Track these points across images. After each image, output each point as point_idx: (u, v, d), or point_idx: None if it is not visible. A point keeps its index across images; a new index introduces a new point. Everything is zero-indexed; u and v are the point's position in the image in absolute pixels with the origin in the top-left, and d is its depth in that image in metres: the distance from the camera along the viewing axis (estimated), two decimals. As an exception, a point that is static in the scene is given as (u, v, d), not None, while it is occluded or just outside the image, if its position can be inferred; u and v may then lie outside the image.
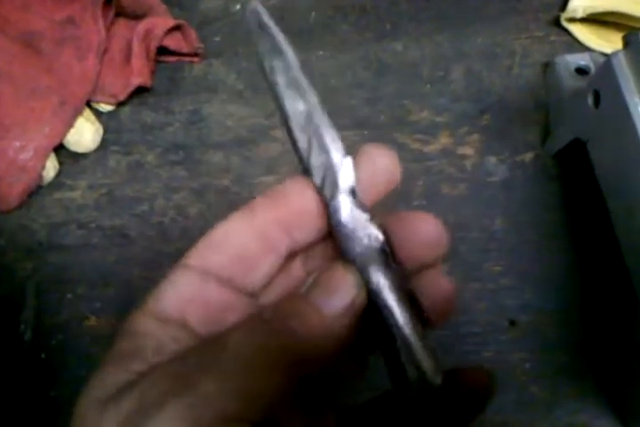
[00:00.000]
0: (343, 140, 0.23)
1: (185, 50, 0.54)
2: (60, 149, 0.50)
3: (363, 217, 0.22)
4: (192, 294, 0.22)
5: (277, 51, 0.23)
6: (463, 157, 0.49)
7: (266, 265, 0.23)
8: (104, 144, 0.51)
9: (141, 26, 0.53)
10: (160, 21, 0.53)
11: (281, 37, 0.23)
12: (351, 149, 0.23)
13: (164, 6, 0.56)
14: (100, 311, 0.45)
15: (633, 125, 0.36)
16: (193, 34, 0.54)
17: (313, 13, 0.57)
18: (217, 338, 0.20)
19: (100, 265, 0.46)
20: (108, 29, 0.53)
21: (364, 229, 0.22)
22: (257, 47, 0.23)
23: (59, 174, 0.50)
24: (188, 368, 0.19)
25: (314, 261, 0.25)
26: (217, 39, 0.56)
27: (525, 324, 0.42)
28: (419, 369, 0.22)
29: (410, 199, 0.47)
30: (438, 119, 0.51)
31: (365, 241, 0.22)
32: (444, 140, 0.50)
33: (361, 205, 0.22)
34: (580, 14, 0.52)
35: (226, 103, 0.53)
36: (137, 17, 0.55)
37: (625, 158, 0.37)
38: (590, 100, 0.41)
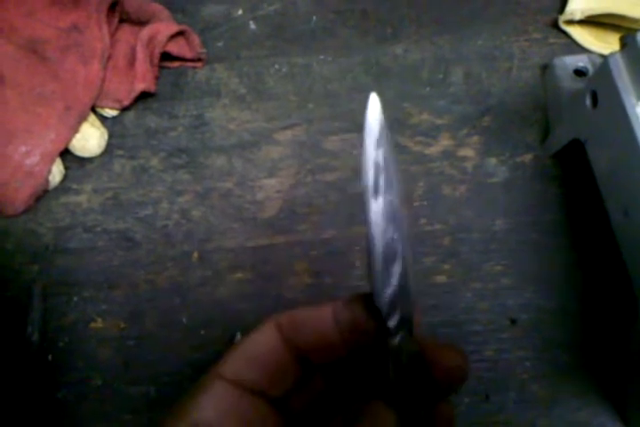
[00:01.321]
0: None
1: (188, 55, 0.55)
2: (65, 154, 0.51)
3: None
4: (230, 406, 0.23)
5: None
6: (464, 158, 0.50)
7: (294, 377, 0.24)
8: (109, 149, 0.52)
9: (145, 32, 0.53)
10: (163, 27, 0.54)
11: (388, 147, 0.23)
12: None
13: (167, 12, 0.57)
14: (105, 314, 0.45)
15: (630, 126, 0.36)
16: (196, 39, 0.55)
17: (314, 18, 0.58)
18: None
19: (106, 268, 0.47)
20: (112, 35, 0.54)
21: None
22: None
23: (64, 179, 0.50)
24: None
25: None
26: (219, 44, 0.57)
27: (526, 323, 0.43)
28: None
29: (411, 201, 0.48)
30: (439, 121, 0.52)
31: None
32: (444, 141, 0.51)
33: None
34: (578, 16, 0.53)
35: (228, 107, 0.53)
36: (141, 23, 0.56)
37: (622, 158, 0.37)
38: (588, 101, 0.41)
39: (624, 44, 0.39)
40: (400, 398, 0.22)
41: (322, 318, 0.24)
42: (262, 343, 0.24)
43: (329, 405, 0.26)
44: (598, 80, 0.40)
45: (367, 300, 0.23)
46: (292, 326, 0.24)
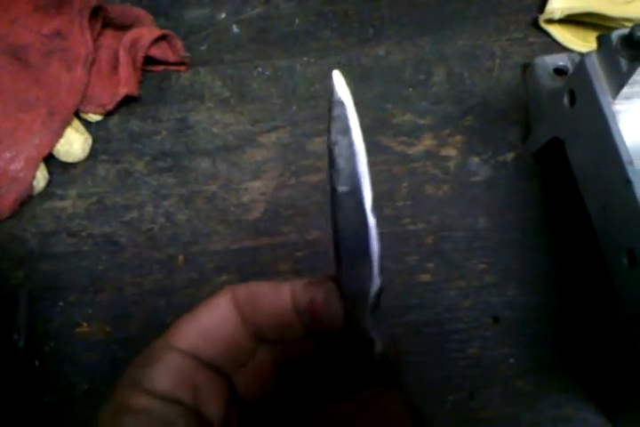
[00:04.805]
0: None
1: (171, 59, 0.55)
2: (49, 159, 0.51)
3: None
4: (185, 378, 0.22)
5: (346, 129, 0.23)
6: (446, 158, 0.50)
7: (245, 350, 0.24)
8: (93, 153, 0.52)
9: (128, 36, 0.54)
10: (146, 31, 0.54)
11: (353, 117, 0.23)
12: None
13: (150, 17, 0.57)
14: (91, 318, 0.45)
15: (606, 124, 0.37)
16: (179, 43, 0.55)
17: (296, 20, 0.58)
18: None
19: (91, 272, 0.47)
20: (95, 41, 0.54)
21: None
22: (330, 116, 0.23)
23: (49, 184, 0.50)
24: None
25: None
26: (203, 48, 0.57)
27: (509, 320, 0.43)
28: None
29: (394, 200, 0.48)
30: (421, 121, 0.52)
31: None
32: (427, 141, 0.51)
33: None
34: (558, 16, 0.53)
35: (212, 111, 0.54)
36: (124, 28, 0.56)
37: (598, 156, 0.38)
38: (566, 100, 0.41)
39: (600, 43, 0.39)
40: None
41: (280, 297, 0.24)
42: (218, 316, 0.24)
43: (280, 384, 0.26)
44: (575, 79, 0.40)
45: (329, 285, 0.23)
46: (249, 301, 0.24)
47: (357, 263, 0.22)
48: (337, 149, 0.22)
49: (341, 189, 0.22)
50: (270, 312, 0.24)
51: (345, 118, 0.22)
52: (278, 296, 0.24)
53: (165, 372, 0.22)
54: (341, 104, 0.23)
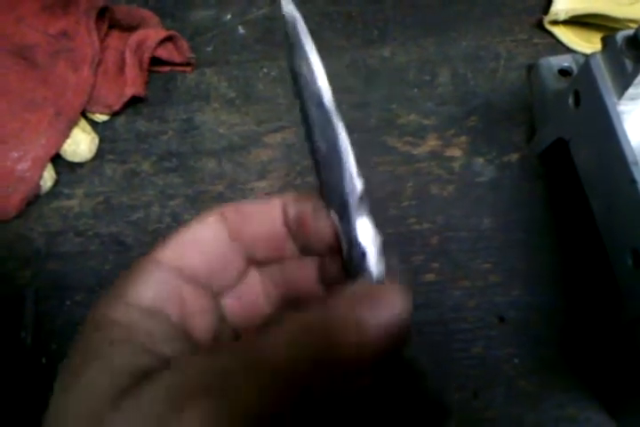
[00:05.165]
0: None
1: (177, 60, 0.55)
2: (56, 159, 0.51)
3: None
4: (170, 292, 0.22)
5: (305, 59, 0.23)
6: (451, 158, 0.50)
7: (233, 269, 0.23)
8: (100, 153, 0.52)
9: (134, 37, 0.54)
10: (152, 32, 0.54)
11: (310, 47, 0.23)
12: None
13: (156, 18, 0.58)
14: (98, 317, 0.46)
15: (611, 124, 0.37)
16: (185, 44, 0.56)
17: (301, 21, 0.58)
18: (254, 340, 0.19)
19: (98, 272, 0.47)
20: (101, 41, 0.55)
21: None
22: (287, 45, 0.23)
23: (56, 184, 0.51)
24: (223, 367, 0.18)
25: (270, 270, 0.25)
26: (209, 49, 0.57)
27: (514, 320, 0.43)
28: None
29: (400, 201, 0.48)
30: (426, 122, 0.52)
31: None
32: (432, 142, 0.51)
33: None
34: (562, 17, 0.53)
35: (218, 111, 0.54)
36: (130, 29, 0.56)
37: (603, 157, 0.38)
38: (571, 101, 0.42)
39: (605, 44, 0.39)
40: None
41: (270, 211, 0.23)
42: (205, 231, 0.23)
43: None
44: (580, 80, 0.40)
45: (315, 198, 0.22)
46: (238, 217, 0.23)
47: (334, 169, 0.22)
48: (298, 68, 0.23)
49: (310, 105, 0.22)
50: (260, 227, 0.23)
51: (297, 35, 0.23)
52: (268, 210, 0.23)
53: (149, 284, 0.21)
54: (292, 20, 0.23)
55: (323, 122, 0.22)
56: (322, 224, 0.22)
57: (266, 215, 0.23)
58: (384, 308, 0.19)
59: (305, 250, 0.23)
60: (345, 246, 0.22)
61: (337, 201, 0.22)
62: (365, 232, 0.22)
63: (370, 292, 0.19)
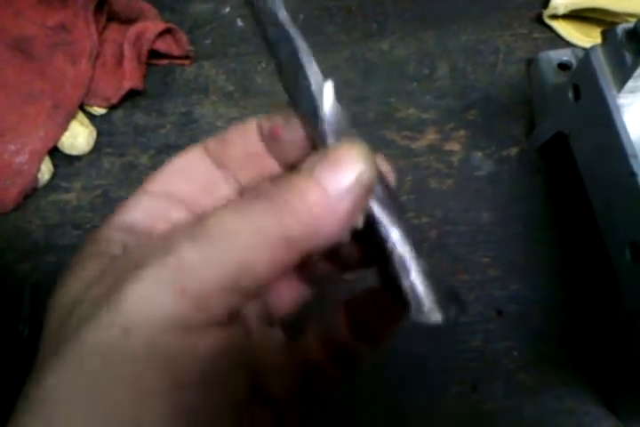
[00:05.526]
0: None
1: (176, 53, 0.55)
2: (54, 152, 0.51)
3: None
4: (157, 212, 0.22)
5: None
6: (450, 152, 0.50)
7: (220, 197, 0.24)
8: (98, 147, 0.52)
9: (132, 30, 0.54)
10: (151, 25, 0.54)
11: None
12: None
13: (154, 10, 0.57)
14: (96, 310, 0.46)
15: (610, 118, 0.37)
16: (183, 37, 0.55)
17: (301, 15, 0.58)
18: (204, 216, 0.19)
19: (96, 265, 0.47)
20: (99, 34, 0.54)
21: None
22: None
23: (54, 177, 0.51)
24: (169, 241, 0.18)
25: None
26: (207, 42, 0.57)
27: (512, 313, 0.43)
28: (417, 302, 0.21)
29: (398, 194, 0.48)
30: (425, 116, 0.52)
31: None
32: (430, 136, 0.51)
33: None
34: (561, 11, 0.53)
35: (216, 104, 0.54)
36: (128, 21, 0.56)
37: (603, 150, 0.38)
38: (570, 94, 0.42)
39: (605, 37, 0.39)
40: None
41: (246, 132, 0.23)
42: (189, 162, 0.23)
43: None
44: (580, 73, 0.40)
45: (286, 109, 0.22)
46: (219, 145, 0.23)
47: (297, 72, 0.22)
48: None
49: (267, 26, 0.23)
50: (239, 147, 0.23)
51: None
52: (245, 131, 0.23)
53: (137, 208, 0.22)
54: None
55: (280, 37, 0.22)
56: (294, 131, 0.22)
57: (243, 136, 0.23)
58: (342, 170, 0.19)
59: (284, 163, 0.24)
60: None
61: (305, 106, 0.22)
62: (329, 105, 0.21)
63: (327, 156, 0.19)
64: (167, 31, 0.55)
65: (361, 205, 0.19)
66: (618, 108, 0.37)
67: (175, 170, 0.23)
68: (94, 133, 0.52)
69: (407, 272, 0.21)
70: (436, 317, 0.20)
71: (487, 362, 0.42)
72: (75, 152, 0.51)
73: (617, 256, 0.37)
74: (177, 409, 0.17)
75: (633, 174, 0.35)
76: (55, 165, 0.51)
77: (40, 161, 0.49)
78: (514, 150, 0.50)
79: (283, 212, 0.18)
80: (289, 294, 0.26)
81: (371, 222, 0.21)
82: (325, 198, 0.18)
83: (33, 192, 0.50)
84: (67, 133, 0.50)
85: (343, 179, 0.19)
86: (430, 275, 0.21)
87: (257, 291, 0.19)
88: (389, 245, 0.21)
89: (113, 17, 0.56)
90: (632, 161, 0.35)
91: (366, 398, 0.41)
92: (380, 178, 0.21)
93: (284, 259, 0.18)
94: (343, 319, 0.25)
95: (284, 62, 0.22)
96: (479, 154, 0.50)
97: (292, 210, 0.18)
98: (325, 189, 0.18)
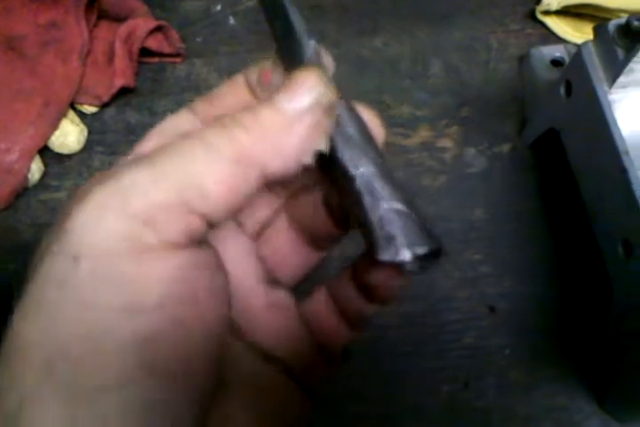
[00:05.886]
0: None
1: (167, 50, 0.55)
2: (44, 151, 0.50)
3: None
4: None
5: None
6: (443, 149, 0.50)
7: None
8: (88, 145, 0.52)
9: (123, 28, 0.53)
10: (141, 23, 0.54)
11: None
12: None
13: (145, 8, 0.57)
14: (87, 309, 0.45)
15: (602, 113, 0.37)
16: (175, 34, 0.55)
17: (293, 12, 0.58)
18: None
19: (87, 263, 0.47)
20: (90, 32, 0.54)
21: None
22: None
23: (44, 176, 0.50)
24: (117, 169, 0.18)
25: None
26: (199, 39, 0.57)
27: (505, 310, 0.43)
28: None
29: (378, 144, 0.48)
30: (418, 113, 0.52)
31: None
32: (423, 133, 0.51)
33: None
34: (554, 7, 0.53)
35: (208, 102, 0.53)
36: (119, 19, 0.55)
37: (594, 146, 0.38)
38: (562, 90, 0.41)
39: (596, 33, 0.39)
40: None
41: (234, 86, 0.23)
42: (178, 123, 0.23)
43: None
44: (572, 69, 0.40)
45: (272, 55, 0.23)
46: (206, 105, 0.23)
47: (286, 31, 0.23)
48: None
49: None
50: (227, 102, 0.23)
51: None
52: (232, 86, 0.24)
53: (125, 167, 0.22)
54: None
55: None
56: (282, 75, 0.22)
57: (231, 90, 0.24)
58: (299, 92, 0.19)
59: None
60: None
61: (291, 52, 0.22)
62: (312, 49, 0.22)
63: (286, 82, 0.19)
64: (158, 29, 0.54)
65: (321, 127, 0.19)
66: (609, 103, 0.37)
67: (166, 131, 0.23)
68: (85, 132, 0.52)
69: (374, 207, 0.20)
70: (403, 255, 0.19)
71: (479, 359, 0.41)
72: (65, 151, 0.51)
73: (609, 253, 0.37)
74: (136, 333, 0.17)
75: (624, 171, 0.35)
76: (46, 164, 0.51)
77: (30, 160, 0.49)
78: (506, 147, 0.50)
79: (234, 129, 0.18)
80: (295, 261, 0.26)
81: (336, 156, 0.21)
82: (280, 116, 0.19)
83: (23, 191, 0.49)
84: (57, 132, 0.50)
85: (300, 99, 0.19)
86: (407, 215, 0.20)
87: (217, 214, 0.18)
88: (356, 180, 0.20)
89: (104, 15, 0.56)
90: (623, 157, 0.35)
91: (358, 395, 0.41)
92: (355, 118, 0.21)
93: (238, 177, 0.18)
94: (349, 278, 0.24)
95: (274, 19, 0.23)
96: (472, 151, 0.50)
97: (243, 126, 0.18)
98: (279, 109, 0.19)
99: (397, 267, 0.20)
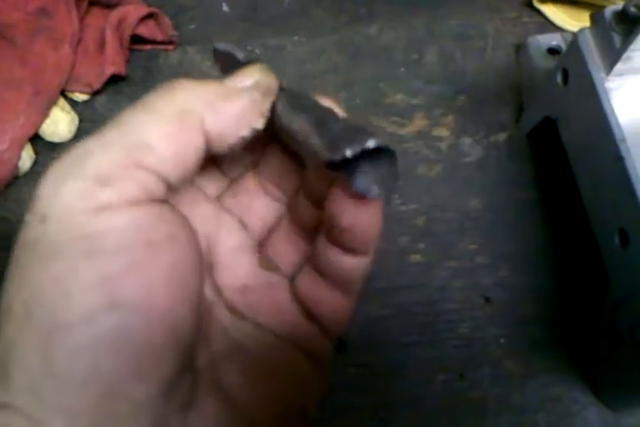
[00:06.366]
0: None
1: (159, 38, 0.54)
2: (36, 139, 0.50)
3: None
4: None
5: None
6: (438, 138, 0.50)
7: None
8: (80, 134, 0.51)
9: (114, 14, 0.53)
10: (133, 9, 0.53)
11: None
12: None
13: (137, -5, 0.56)
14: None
15: (598, 101, 0.36)
16: (167, 21, 0.54)
17: (287, -1, 0.57)
18: None
19: (79, 253, 0.46)
20: (81, 19, 0.53)
21: None
22: None
23: (35, 165, 0.50)
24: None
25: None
26: (192, 27, 0.56)
27: (500, 300, 0.43)
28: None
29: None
30: (413, 101, 0.51)
31: None
32: (419, 122, 0.50)
33: None
34: (551, -5, 0.53)
35: (201, 90, 0.53)
36: (110, 6, 0.55)
37: (591, 134, 0.37)
38: (559, 78, 0.41)
39: (593, 20, 0.39)
40: None
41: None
42: None
43: None
44: (569, 57, 0.40)
45: None
46: None
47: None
48: None
49: None
50: None
51: None
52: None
53: None
54: None
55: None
56: None
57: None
58: (241, 77, 0.22)
59: None
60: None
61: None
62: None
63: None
64: (150, 16, 0.54)
65: (258, 105, 0.21)
66: (606, 91, 0.36)
67: None
68: (76, 120, 0.51)
69: (315, 129, 0.21)
70: (349, 150, 0.19)
71: (474, 349, 0.41)
72: (56, 139, 0.50)
73: (605, 242, 0.37)
74: (97, 275, 0.18)
75: (620, 158, 0.34)
76: (37, 153, 0.50)
77: (21, 149, 0.48)
78: (502, 136, 0.49)
79: (176, 90, 0.21)
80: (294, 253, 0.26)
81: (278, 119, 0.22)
82: (222, 87, 0.21)
83: (14, 180, 0.49)
84: (48, 120, 0.49)
85: (241, 80, 0.22)
86: (346, 123, 0.21)
87: (168, 170, 0.20)
88: (299, 118, 0.22)
89: (95, 2, 0.55)
90: (620, 145, 0.35)
91: (352, 385, 0.40)
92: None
93: (179, 131, 0.20)
94: (324, 237, 0.24)
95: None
96: (468, 140, 0.49)
97: (185, 88, 0.21)
98: (223, 84, 0.22)
99: (351, 182, 0.20)
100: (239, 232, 0.26)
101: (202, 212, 0.25)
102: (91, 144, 0.20)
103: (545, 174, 0.47)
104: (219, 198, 0.27)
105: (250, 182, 0.26)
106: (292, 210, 0.26)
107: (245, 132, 0.21)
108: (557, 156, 0.44)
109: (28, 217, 0.19)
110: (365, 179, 0.20)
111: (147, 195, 0.19)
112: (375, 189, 0.20)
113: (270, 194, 0.26)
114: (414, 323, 0.42)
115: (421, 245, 0.45)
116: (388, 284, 0.43)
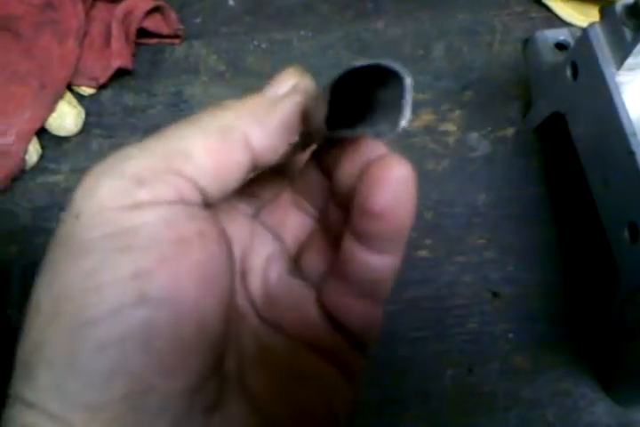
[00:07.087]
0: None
1: (165, 31, 0.54)
2: (41, 133, 0.50)
3: None
4: None
5: None
6: (446, 133, 0.49)
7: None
8: (86, 127, 0.51)
9: (120, 8, 0.52)
10: (139, 3, 0.53)
11: None
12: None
13: (143, -12, 0.56)
14: (86, 293, 0.45)
15: (609, 95, 0.36)
16: (173, 15, 0.54)
17: (293, -7, 0.57)
18: None
19: (86, 248, 0.46)
20: (87, 13, 0.53)
21: None
22: None
23: (41, 158, 0.49)
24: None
25: None
26: (198, 20, 0.56)
27: (509, 295, 0.43)
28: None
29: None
30: (421, 96, 0.51)
31: None
32: (426, 116, 0.50)
33: None
34: (558, -11, 0.52)
35: (207, 85, 0.53)
36: (116, 0, 0.54)
37: (600, 128, 0.37)
38: (568, 72, 0.41)
39: (603, 14, 0.38)
40: None
41: None
42: None
43: None
44: (578, 51, 0.40)
45: None
46: None
47: None
48: None
49: None
50: None
51: None
52: None
53: None
54: None
55: None
56: None
57: None
58: (278, 83, 0.23)
59: None
60: None
61: None
62: None
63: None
64: (156, 9, 0.53)
65: (299, 106, 0.22)
66: (617, 85, 0.36)
67: None
68: (82, 114, 0.51)
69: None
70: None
71: (483, 344, 0.41)
72: (63, 133, 0.50)
73: (615, 237, 0.37)
74: (128, 270, 0.18)
75: (631, 153, 0.34)
76: (43, 147, 0.50)
77: (27, 142, 0.48)
78: (510, 131, 0.49)
79: (219, 110, 0.21)
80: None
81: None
82: (263, 99, 0.22)
83: (20, 174, 0.49)
84: (54, 114, 0.49)
85: (279, 87, 0.22)
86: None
87: (206, 182, 0.20)
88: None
89: (100, -5, 0.54)
90: (631, 139, 0.34)
91: (361, 380, 0.40)
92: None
93: (222, 144, 0.20)
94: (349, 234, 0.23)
95: None
96: (475, 135, 0.49)
97: (229, 108, 0.21)
98: (264, 94, 0.22)
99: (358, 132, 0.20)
100: (272, 243, 0.25)
101: (237, 223, 0.25)
102: (131, 150, 0.20)
103: (553, 169, 0.47)
104: (254, 216, 0.26)
105: (285, 199, 0.26)
106: (322, 221, 0.25)
107: (292, 138, 0.22)
108: (565, 150, 0.44)
109: (63, 216, 0.19)
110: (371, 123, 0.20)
111: (181, 199, 0.20)
112: (384, 129, 0.20)
113: (304, 210, 0.26)
114: (423, 318, 0.42)
115: (429, 241, 0.45)
116: (397, 279, 0.43)
